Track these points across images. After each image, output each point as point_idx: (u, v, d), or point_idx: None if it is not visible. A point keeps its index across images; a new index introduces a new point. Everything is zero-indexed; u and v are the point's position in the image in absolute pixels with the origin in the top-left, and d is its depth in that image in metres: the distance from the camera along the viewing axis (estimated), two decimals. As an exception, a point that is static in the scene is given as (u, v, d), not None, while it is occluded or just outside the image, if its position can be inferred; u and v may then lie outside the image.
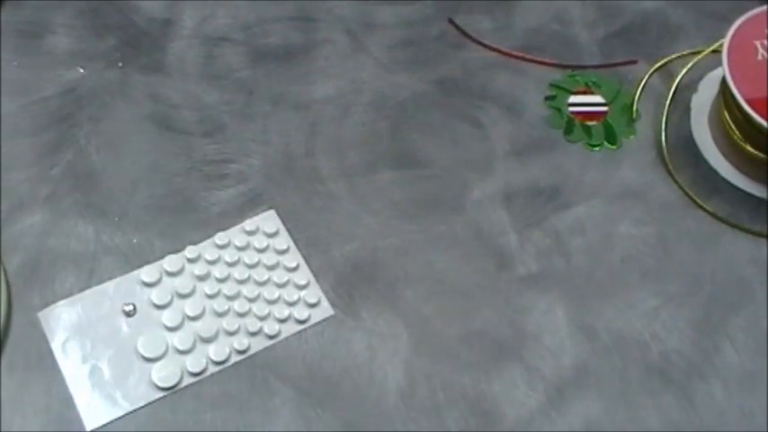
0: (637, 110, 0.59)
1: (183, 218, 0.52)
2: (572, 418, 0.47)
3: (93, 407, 0.45)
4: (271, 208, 0.52)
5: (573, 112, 0.58)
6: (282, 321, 0.49)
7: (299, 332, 0.49)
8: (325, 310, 0.49)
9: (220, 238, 0.51)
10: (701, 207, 0.55)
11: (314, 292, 0.50)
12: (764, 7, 0.55)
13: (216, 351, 0.47)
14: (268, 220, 0.52)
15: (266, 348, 0.48)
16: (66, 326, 0.47)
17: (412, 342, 0.49)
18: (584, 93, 0.59)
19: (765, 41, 0.54)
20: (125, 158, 0.54)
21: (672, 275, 0.52)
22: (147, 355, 0.47)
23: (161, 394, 0.46)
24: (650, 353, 0.49)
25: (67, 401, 0.45)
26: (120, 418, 0.45)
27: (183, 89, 0.57)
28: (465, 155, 0.56)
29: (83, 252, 0.50)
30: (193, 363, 0.47)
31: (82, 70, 0.57)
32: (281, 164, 0.54)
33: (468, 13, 0.62)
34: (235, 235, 0.51)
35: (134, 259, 0.50)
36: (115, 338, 0.47)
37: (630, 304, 0.51)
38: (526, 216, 0.54)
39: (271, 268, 0.50)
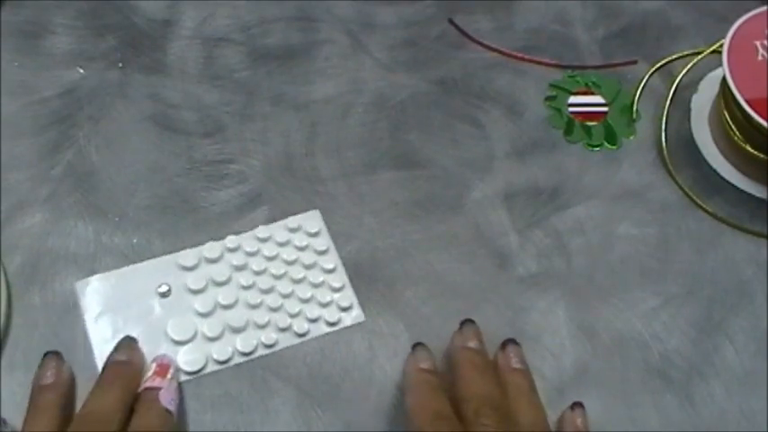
0: (637, 110, 0.59)
1: (183, 218, 0.52)
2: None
3: None
4: (315, 208, 0.52)
5: (573, 113, 0.58)
6: (312, 321, 0.49)
7: (327, 334, 0.49)
8: (357, 315, 0.49)
9: (262, 231, 0.51)
10: (701, 207, 0.55)
11: (347, 296, 0.50)
12: (764, 7, 0.55)
13: (243, 342, 0.47)
14: (311, 219, 0.52)
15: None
16: (100, 300, 0.48)
17: (412, 342, 0.49)
18: (585, 93, 0.59)
19: (765, 41, 0.54)
20: (125, 158, 0.54)
21: (672, 275, 0.52)
22: (175, 337, 0.47)
23: (184, 378, 0.47)
24: (650, 353, 0.49)
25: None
26: None
27: (183, 89, 0.57)
28: (465, 155, 0.56)
29: (83, 252, 0.50)
30: (219, 351, 0.47)
31: (82, 70, 0.57)
32: (281, 164, 0.54)
33: (468, 13, 0.62)
34: (276, 230, 0.51)
35: (134, 259, 0.50)
36: (146, 318, 0.48)
37: (630, 304, 0.51)
38: (526, 216, 0.54)
39: (308, 267, 0.50)
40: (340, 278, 0.50)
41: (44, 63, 0.57)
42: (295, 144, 0.55)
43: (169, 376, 0.45)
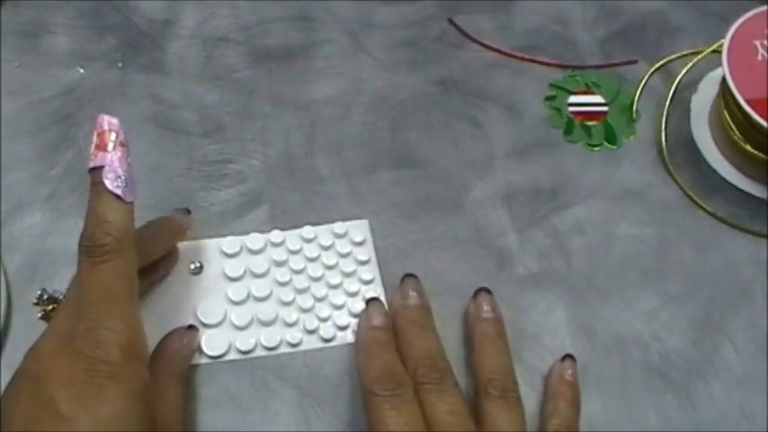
0: (637, 110, 0.59)
1: (183, 218, 0.52)
2: (572, 418, 0.47)
3: None
4: (362, 218, 0.52)
5: (573, 112, 0.58)
6: (341, 329, 0.48)
7: (351, 344, 0.48)
8: None
9: (307, 231, 0.51)
10: (701, 207, 0.55)
11: None
12: (764, 7, 0.55)
13: (267, 336, 0.48)
14: (358, 228, 0.52)
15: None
16: None
17: (412, 342, 0.49)
18: (585, 93, 0.59)
19: (765, 41, 0.54)
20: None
21: (672, 275, 0.52)
22: (204, 320, 0.47)
23: (205, 360, 0.47)
24: (650, 353, 0.49)
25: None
26: None
27: (183, 89, 0.57)
28: (465, 155, 0.56)
29: (83, 252, 0.50)
30: (243, 341, 0.47)
31: (82, 70, 0.57)
32: (281, 164, 0.54)
33: (468, 13, 0.62)
34: (322, 233, 0.51)
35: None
36: (179, 295, 0.48)
37: (630, 304, 0.51)
38: (526, 216, 0.54)
39: (346, 275, 0.50)
40: (376, 290, 0.50)
41: (44, 63, 0.57)
42: (295, 144, 0.55)
43: (111, 146, 0.40)
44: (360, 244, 0.51)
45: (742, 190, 0.55)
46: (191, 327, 0.47)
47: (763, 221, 0.55)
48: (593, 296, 0.51)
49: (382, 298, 0.49)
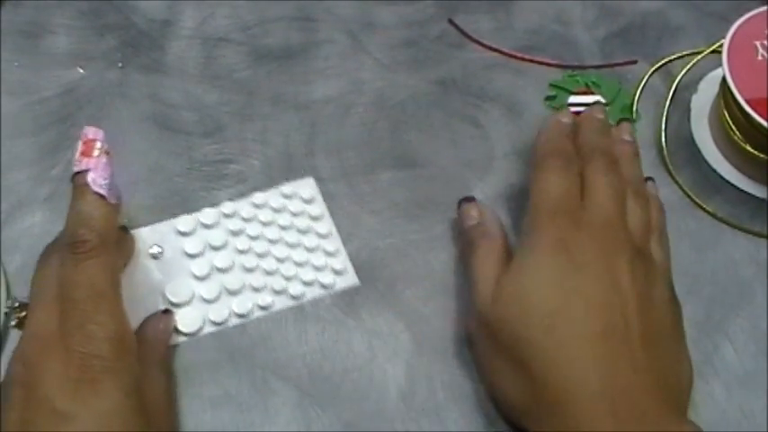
0: (636, 110, 0.59)
1: (183, 218, 0.52)
2: (572, 418, 0.47)
3: None
4: (310, 175, 0.53)
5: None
6: (307, 284, 0.50)
7: (321, 298, 0.50)
8: (351, 278, 0.50)
9: (258, 198, 0.52)
10: (701, 207, 0.55)
11: (341, 261, 0.51)
12: (764, 7, 0.55)
13: (239, 304, 0.49)
14: (306, 186, 0.53)
15: (267, 348, 0.48)
16: None
17: (412, 342, 0.49)
18: (585, 93, 0.59)
19: (765, 41, 0.54)
20: (125, 158, 0.54)
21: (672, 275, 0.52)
22: (173, 300, 0.48)
23: (181, 339, 0.48)
24: (650, 353, 0.49)
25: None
26: None
27: (183, 89, 0.57)
28: (465, 155, 0.56)
29: (83, 252, 0.50)
30: (216, 313, 0.48)
31: (82, 70, 0.57)
32: (281, 164, 0.54)
33: (468, 13, 0.62)
34: (272, 197, 0.52)
35: (134, 259, 0.50)
36: (145, 281, 0.49)
37: (630, 304, 0.51)
38: (526, 216, 0.54)
39: (303, 232, 0.51)
40: (334, 243, 0.51)
41: (44, 63, 0.57)
42: (295, 144, 0.55)
43: (96, 153, 0.42)
44: (310, 201, 0.52)
45: (742, 190, 0.55)
46: (165, 311, 0.47)
47: (763, 221, 0.54)
48: (594, 296, 0.51)
49: (341, 249, 0.51)
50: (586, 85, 0.60)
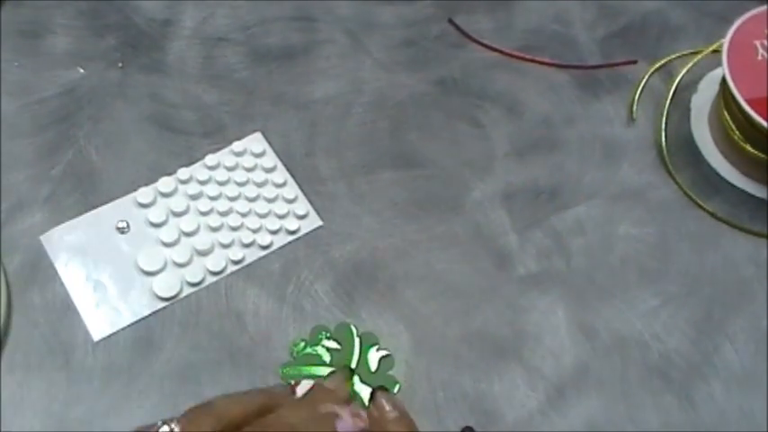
0: (636, 110, 0.59)
1: (183, 218, 0.52)
2: (572, 418, 0.47)
3: (99, 320, 0.48)
4: (257, 130, 0.55)
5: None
6: (274, 233, 0.51)
7: (291, 242, 0.51)
8: (314, 220, 0.52)
9: (210, 159, 0.53)
10: (701, 207, 0.55)
11: (302, 205, 0.52)
12: (764, 7, 0.55)
13: (213, 262, 0.50)
14: (255, 141, 0.54)
15: (267, 348, 0.48)
16: (67, 247, 0.50)
17: (412, 342, 0.49)
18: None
19: (765, 41, 0.54)
20: (125, 158, 0.54)
21: (672, 275, 0.52)
22: (147, 269, 0.49)
23: (163, 304, 0.49)
24: (650, 353, 0.49)
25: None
26: (125, 327, 0.48)
27: (182, 89, 0.57)
28: (465, 155, 0.56)
29: (83, 252, 0.50)
30: (192, 274, 0.50)
31: (82, 70, 0.57)
32: (281, 164, 0.54)
33: (469, 13, 0.62)
34: (224, 156, 0.54)
35: (134, 259, 0.50)
36: (116, 256, 0.50)
37: (630, 304, 0.51)
38: (526, 216, 0.54)
39: (260, 185, 0.53)
40: (292, 190, 0.53)
41: (44, 63, 0.57)
42: (295, 144, 0.55)
43: None
44: (261, 155, 0.54)
45: (742, 190, 0.55)
46: None
47: (763, 221, 0.55)
48: (593, 296, 0.51)
49: (300, 195, 0.52)
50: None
